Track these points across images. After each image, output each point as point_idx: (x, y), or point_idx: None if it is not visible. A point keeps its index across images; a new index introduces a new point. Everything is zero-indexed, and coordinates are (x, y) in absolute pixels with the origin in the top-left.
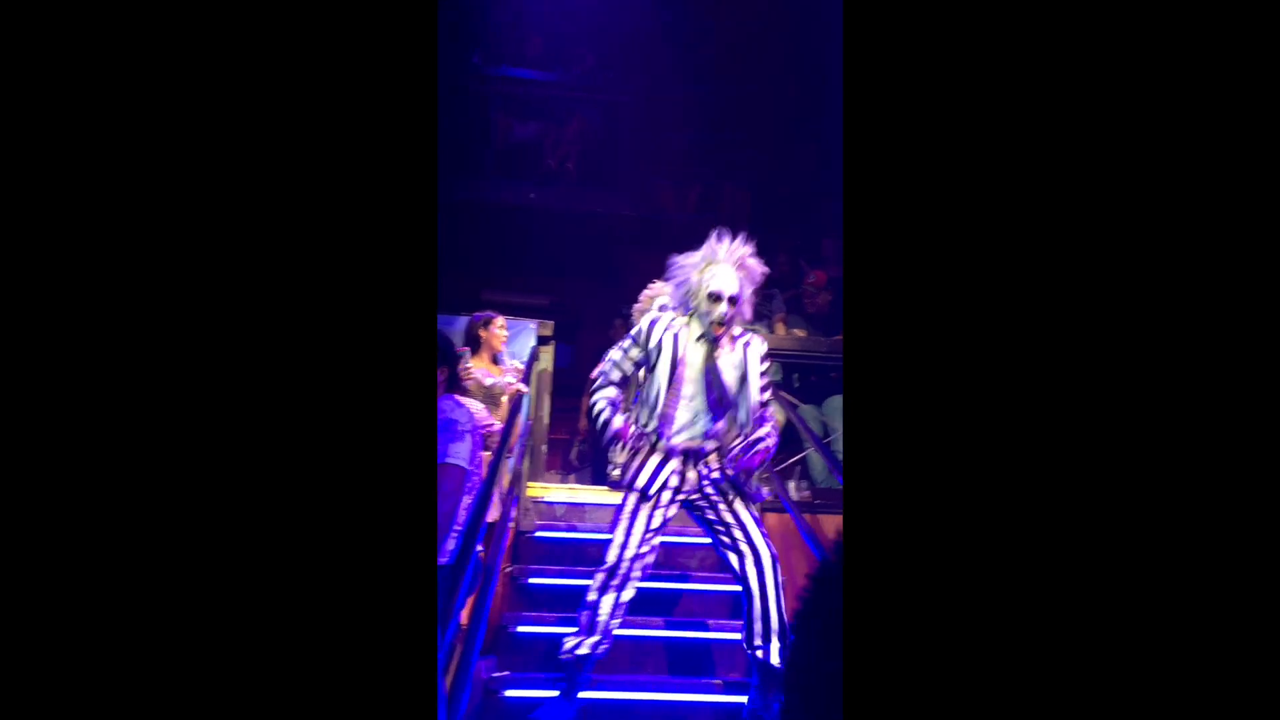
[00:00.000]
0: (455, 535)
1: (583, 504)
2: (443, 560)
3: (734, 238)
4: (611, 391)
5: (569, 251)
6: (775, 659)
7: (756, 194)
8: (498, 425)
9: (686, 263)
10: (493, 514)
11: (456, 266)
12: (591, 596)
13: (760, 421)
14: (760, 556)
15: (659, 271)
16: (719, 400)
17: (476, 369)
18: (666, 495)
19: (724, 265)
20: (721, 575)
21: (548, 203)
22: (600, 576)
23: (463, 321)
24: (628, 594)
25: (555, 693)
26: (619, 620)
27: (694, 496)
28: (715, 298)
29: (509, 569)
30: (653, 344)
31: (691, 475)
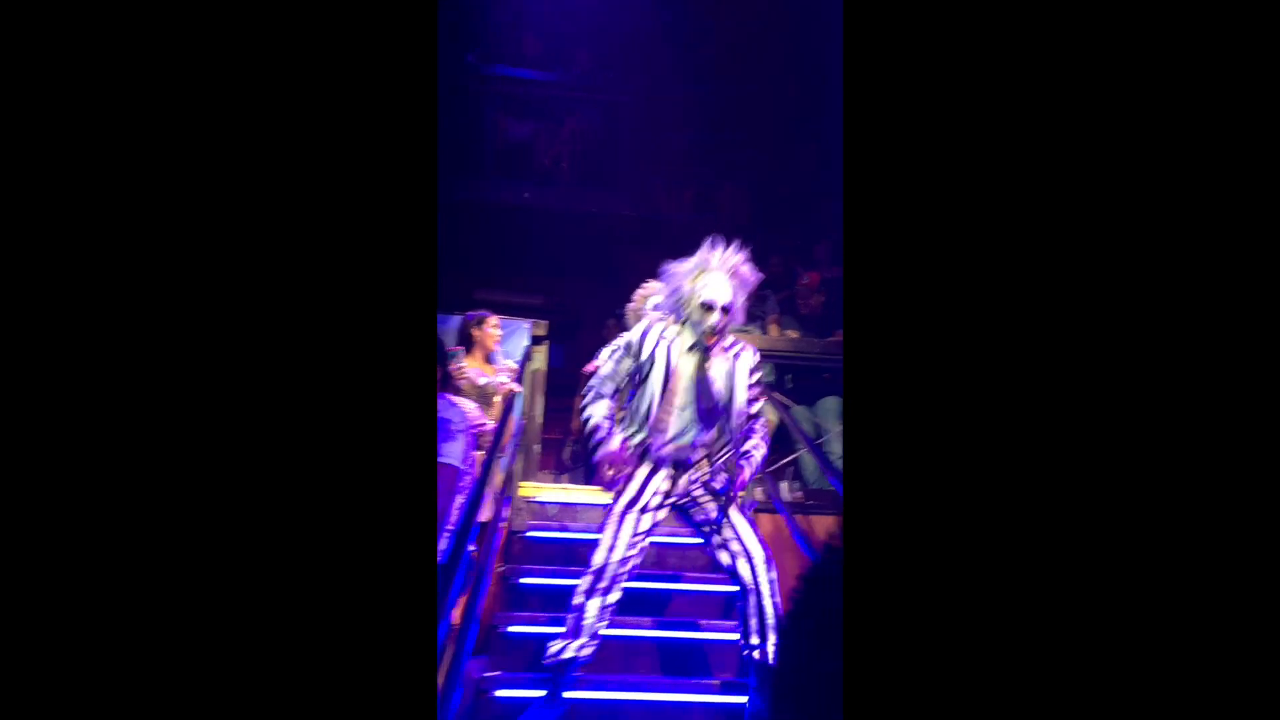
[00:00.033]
0: (447, 535)
1: (575, 504)
2: None
3: (727, 245)
4: (605, 407)
5: (563, 251)
6: (773, 659)
7: (752, 194)
8: (491, 425)
9: (679, 270)
10: (485, 513)
11: (450, 265)
12: (578, 600)
13: (749, 432)
14: (753, 556)
15: (653, 271)
16: (709, 411)
17: (470, 368)
18: (656, 500)
19: (717, 273)
20: (714, 575)
21: (542, 202)
22: (587, 579)
23: (456, 320)
24: (614, 596)
25: (544, 692)
26: (605, 623)
27: (683, 500)
28: (708, 307)
29: (501, 569)
30: (645, 354)
31: (681, 481)
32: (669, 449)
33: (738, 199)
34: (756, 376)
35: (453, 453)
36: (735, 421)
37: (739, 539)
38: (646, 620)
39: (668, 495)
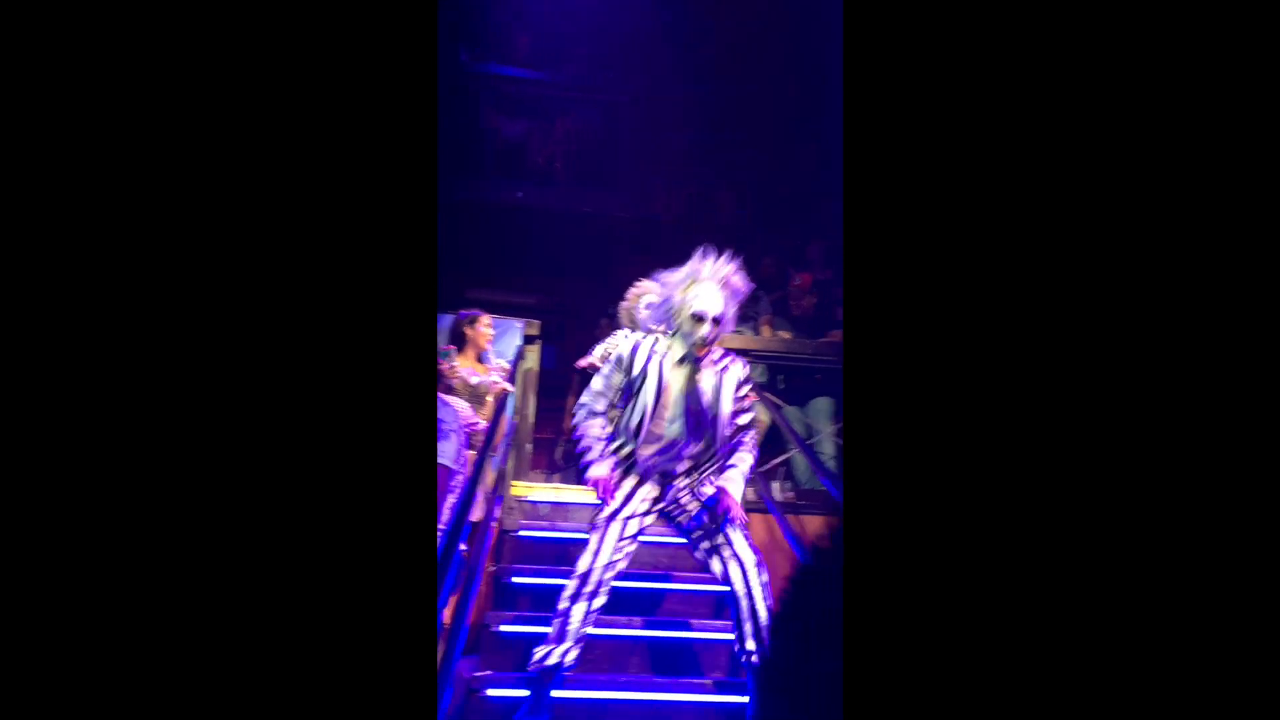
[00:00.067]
0: (439, 534)
1: (567, 503)
2: None
3: (718, 255)
4: (599, 427)
5: (556, 250)
6: (767, 659)
7: (747, 195)
8: (482, 424)
9: (670, 280)
10: (477, 513)
11: (442, 264)
12: (563, 605)
13: (737, 445)
14: (744, 561)
15: (646, 271)
16: (697, 423)
17: (462, 367)
18: (643, 506)
19: (708, 284)
20: (705, 575)
21: (535, 201)
22: (573, 584)
23: (448, 319)
24: (599, 602)
25: (529, 692)
26: (589, 628)
27: (670, 508)
28: (699, 318)
29: (492, 568)
30: (637, 370)
31: (669, 491)
32: (656, 460)
33: (734, 199)
34: (745, 389)
35: (445, 452)
36: (722, 434)
37: (729, 545)
38: (638, 619)
39: (655, 502)
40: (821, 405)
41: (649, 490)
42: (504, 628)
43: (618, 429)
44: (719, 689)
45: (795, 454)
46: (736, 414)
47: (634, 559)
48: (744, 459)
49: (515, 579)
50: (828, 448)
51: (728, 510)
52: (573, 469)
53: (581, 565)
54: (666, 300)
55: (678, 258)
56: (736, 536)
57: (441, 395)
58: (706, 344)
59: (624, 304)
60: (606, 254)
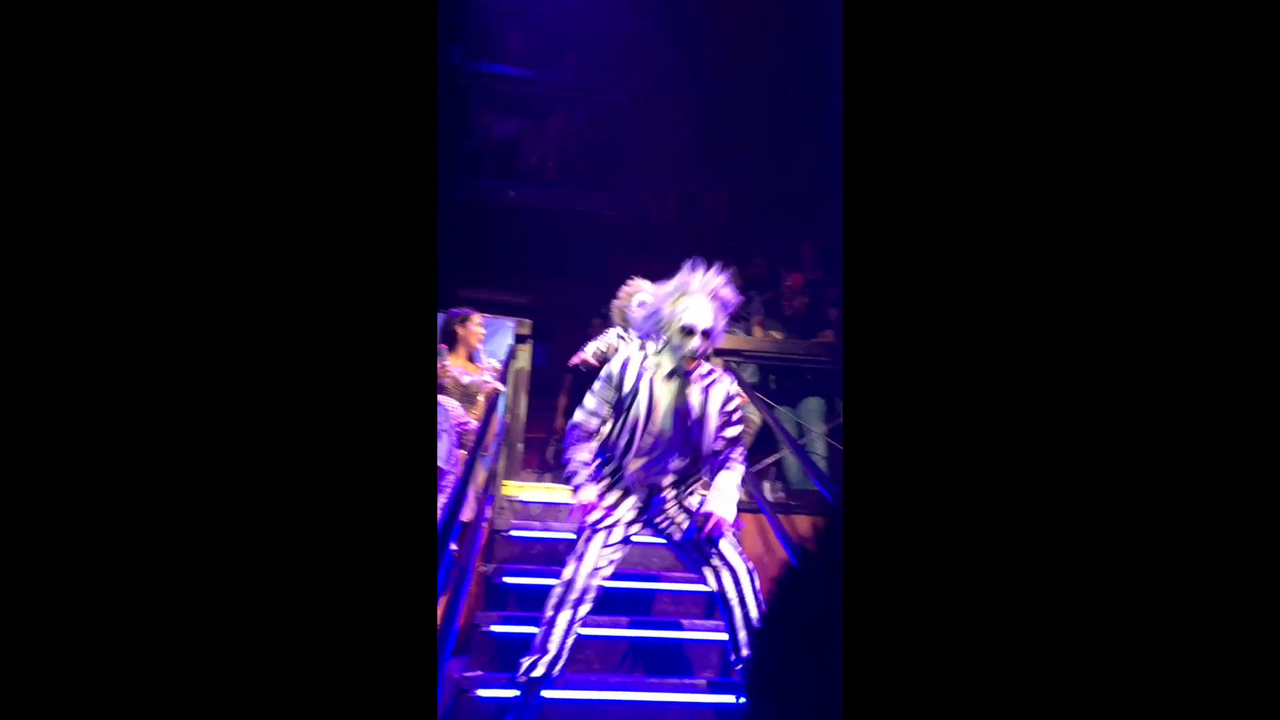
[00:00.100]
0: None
1: (558, 503)
2: None
3: (708, 267)
4: (588, 453)
5: (548, 250)
6: (756, 662)
7: (745, 194)
8: (474, 424)
9: (658, 293)
10: (468, 513)
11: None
12: (548, 613)
13: (724, 463)
14: (735, 569)
15: (638, 270)
16: (685, 439)
17: (453, 366)
18: (630, 515)
19: (698, 296)
20: (696, 575)
21: (527, 201)
22: (558, 592)
23: (439, 318)
24: (584, 609)
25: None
26: (574, 638)
27: (661, 521)
28: (688, 331)
29: (483, 568)
30: (627, 387)
31: (655, 504)
32: (642, 474)
33: (730, 200)
34: (734, 404)
35: (436, 451)
36: (708, 448)
37: (720, 554)
38: (630, 620)
39: (640, 512)
40: (813, 405)
41: (634, 501)
42: (494, 628)
43: (606, 443)
44: (711, 689)
45: (786, 454)
46: (723, 428)
47: (626, 560)
48: (732, 478)
49: (506, 579)
50: (819, 448)
51: (716, 529)
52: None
53: (566, 574)
54: (655, 313)
55: (671, 257)
56: (727, 546)
57: None
58: (696, 357)
59: (616, 302)
60: (599, 253)
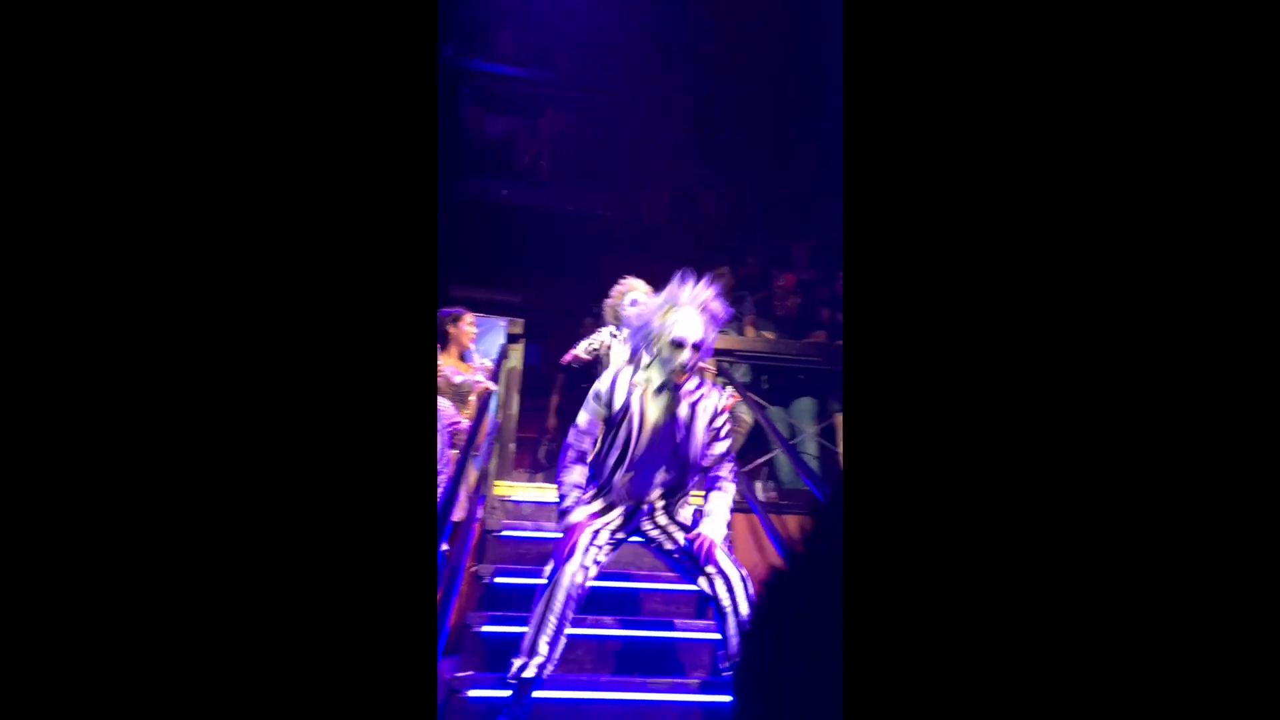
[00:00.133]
0: None
1: (550, 503)
2: None
3: (698, 280)
4: (581, 474)
5: (540, 249)
6: (744, 662)
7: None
8: (465, 423)
9: (647, 306)
10: (459, 513)
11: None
12: (536, 615)
13: (714, 483)
14: (729, 576)
15: (631, 270)
16: (673, 454)
17: (445, 366)
18: (617, 521)
19: (687, 309)
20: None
21: (520, 199)
22: (545, 592)
23: None
24: (571, 610)
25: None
26: (564, 639)
27: (652, 530)
28: (678, 344)
29: (474, 568)
30: (618, 404)
31: (641, 514)
32: (630, 487)
33: (727, 200)
34: (722, 420)
35: (435, 452)
36: (695, 463)
37: (714, 563)
38: (623, 619)
39: (627, 520)
40: (805, 405)
41: (621, 510)
42: (485, 628)
43: (595, 458)
44: (703, 689)
45: (778, 454)
46: (710, 444)
47: (617, 560)
48: (724, 500)
49: (497, 579)
50: (811, 448)
51: (709, 552)
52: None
53: (548, 574)
54: (645, 325)
55: (664, 256)
56: (720, 554)
57: None
58: (686, 370)
59: (609, 301)
60: (591, 253)
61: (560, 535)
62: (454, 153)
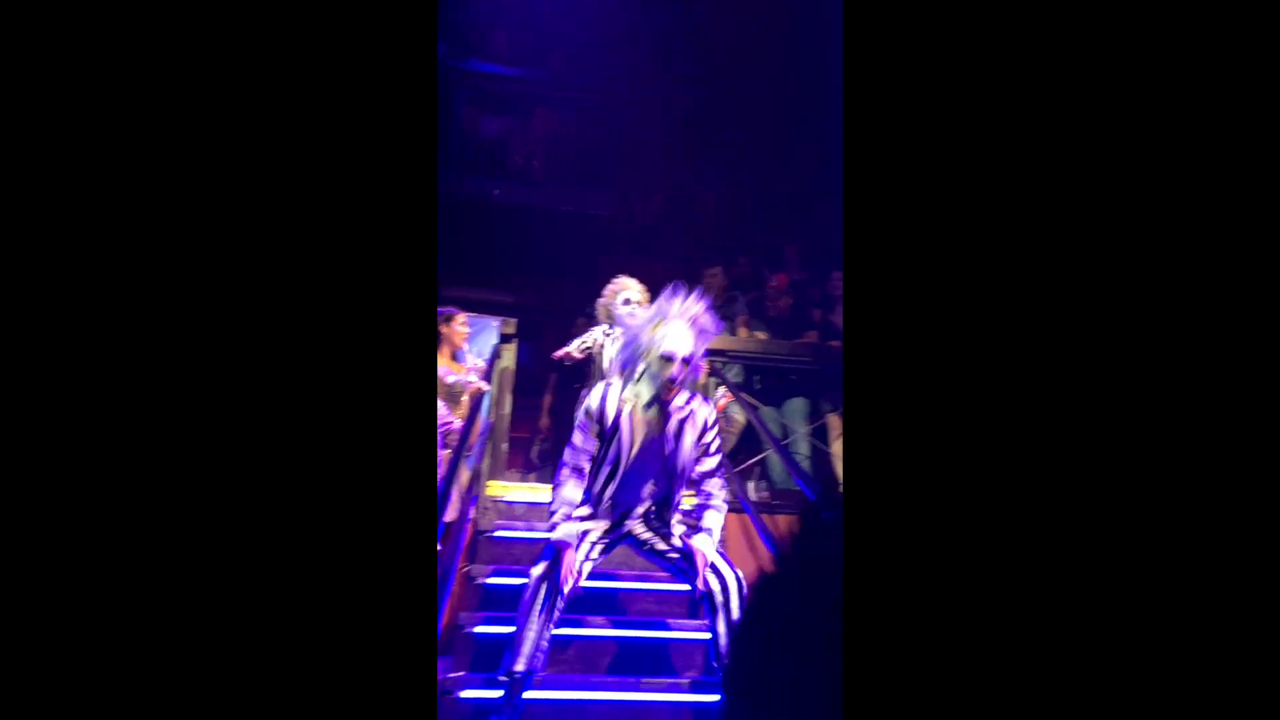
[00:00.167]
0: None
1: (543, 504)
2: None
3: (688, 293)
4: (573, 490)
5: (534, 249)
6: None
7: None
8: (458, 423)
9: (637, 320)
10: (451, 513)
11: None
12: (525, 615)
13: (705, 500)
14: (724, 576)
15: (624, 269)
16: (663, 469)
17: (438, 366)
18: (605, 528)
19: (677, 322)
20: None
21: (513, 199)
22: (533, 593)
23: None
24: (557, 614)
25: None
26: (548, 641)
27: (645, 535)
28: (668, 359)
29: (466, 568)
30: (609, 419)
31: (630, 521)
32: (619, 498)
33: (723, 199)
34: (711, 434)
35: (435, 454)
36: (684, 475)
37: (709, 565)
38: (615, 620)
39: (614, 529)
40: (797, 406)
41: (609, 522)
42: (478, 629)
43: (591, 476)
44: (694, 688)
45: (770, 454)
46: (699, 460)
47: (610, 560)
48: (716, 519)
49: (489, 579)
50: (803, 448)
51: (704, 560)
52: (549, 469)
53: (536, 574)
54: (634, 340)
55: (658, 256)
56: (716, 559)
57: None
58: (675, 384)
59: (601, 300)
60: (585, 252)
61: (551, 539)
62: (450, 153)
